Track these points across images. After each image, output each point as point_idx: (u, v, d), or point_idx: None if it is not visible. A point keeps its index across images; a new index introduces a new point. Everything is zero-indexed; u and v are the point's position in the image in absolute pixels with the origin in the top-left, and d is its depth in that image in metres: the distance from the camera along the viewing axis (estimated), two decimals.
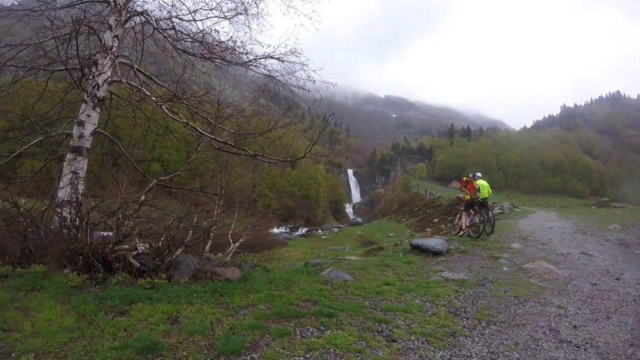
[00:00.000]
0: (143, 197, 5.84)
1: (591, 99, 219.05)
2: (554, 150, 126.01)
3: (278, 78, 6.22)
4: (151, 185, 5.78)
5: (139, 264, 5.67)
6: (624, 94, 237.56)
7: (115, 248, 5.43)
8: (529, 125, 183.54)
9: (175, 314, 4.28)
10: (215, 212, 8.70)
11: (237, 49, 6.04)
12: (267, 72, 6.16)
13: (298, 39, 6.05)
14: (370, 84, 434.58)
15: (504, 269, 8.17)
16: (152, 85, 6.75)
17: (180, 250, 5.84)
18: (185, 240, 6.14)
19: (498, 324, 4.78)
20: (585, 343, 4.33)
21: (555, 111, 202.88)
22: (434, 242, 10.14)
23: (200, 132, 5.63)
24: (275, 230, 58.05)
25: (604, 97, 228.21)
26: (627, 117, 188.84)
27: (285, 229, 62.18)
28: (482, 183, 13.25)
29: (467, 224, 12.98)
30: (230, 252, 10.31)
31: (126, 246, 5.84)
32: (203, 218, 7.68)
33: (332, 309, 4.80)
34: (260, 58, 5.96)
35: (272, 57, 5.97)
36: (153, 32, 6.48)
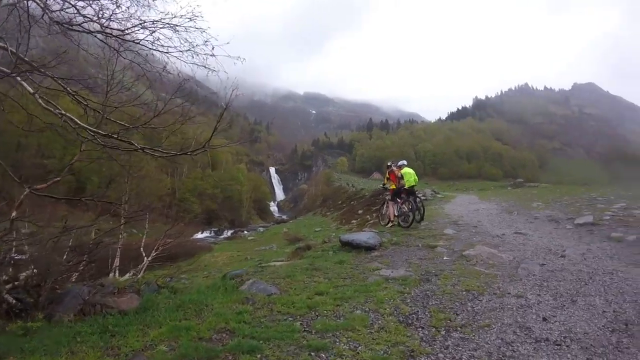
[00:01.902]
0: (14, 213, 4.55)
1: (501, 91, 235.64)
2: (468, 138, 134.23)
3: (174, 54, 5.11)
4: (22, 196, 4.50)
5: (14, 300, 4.44)
6: (532, 86, 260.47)
7: None
8: (444, 117, 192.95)
9: None
10: (121, 222, 7.44)
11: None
12: (163, 49, 5.02)
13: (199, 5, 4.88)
14: (290, 82, 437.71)
15: (445, 258, 7.59)
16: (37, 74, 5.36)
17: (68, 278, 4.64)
18: (62, 266, 4.91)
19: (460, 330, 4.08)
20: (564, 338, 3.78)
21: (469, 103, 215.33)
22: (365, 236, 9.34)
23: (78, 124, 4.43)
24: (200, 235, 55.76)
25: (513, 89, 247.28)
26: (535, 106, 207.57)
27: (210, 233, 59.80)
28: (407, 171, 12.93)
29: (396, 214, 12.60)
30: (142, 268, 9.04)
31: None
32: (84, 233, 6.32)
33: (254, 340, 3.78)
34: (145, 25, 4.75)
35: (161, 25, 4.81)
36: None
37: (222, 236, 55.43)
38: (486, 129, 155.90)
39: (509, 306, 4.71)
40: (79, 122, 4.47)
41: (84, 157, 5.08)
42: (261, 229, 57.55)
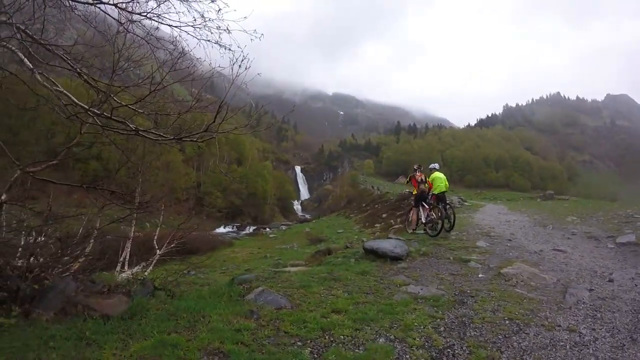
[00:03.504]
0: (4, 197, 4.17)
1: (532, 99, 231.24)
2: (497, 147, 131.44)
3: (184, 29, 4.65)
4: (14, 178, 4.11)
5: None
6: (564, 95, 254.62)
7: None
8: (472, 124, 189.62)
9: None
10: (127, 213, 7.06)
11: None
12: (173, 23, 4.57)
13: None
14: (319, 81, 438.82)
15: (480, 275, 6.90)
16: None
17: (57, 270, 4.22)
18: (50, 257, 4.49)
19: None
20: None
21: (498, 110, 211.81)
22: (392, 244, 8.59)
23: (75, 103, 4.01)
24: (222, 229, 56.01)
25: (545, 97, 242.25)
26: (566, 116, 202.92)
27: (232, 228, 59.98)
28: (437, 176, 12.25)
29: (424, 221, 11.96)
30: (152, 261, 8.69)
31: None
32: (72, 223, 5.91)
33: None
34: None
35: None
36: None
37: (244, 232, 55.49)
38: (515, 137, 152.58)
39: (561, 343, 4.03)
40: (76, 100, 4.05)
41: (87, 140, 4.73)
42: (283, 227, 57.34)
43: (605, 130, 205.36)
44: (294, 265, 9.25)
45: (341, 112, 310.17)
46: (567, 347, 3.95)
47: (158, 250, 9.00)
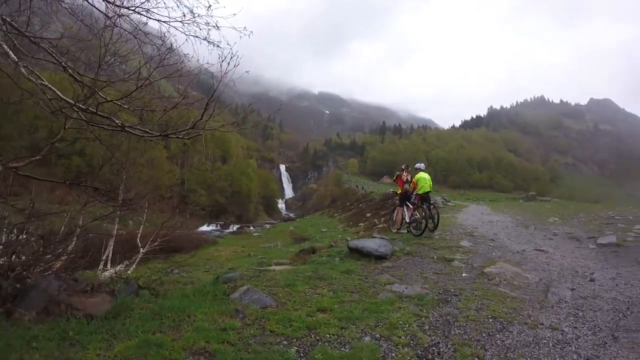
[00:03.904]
0: None
1: (516, 102, 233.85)
2: (481, 148, 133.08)
3: (173, 25, 4.58)
4: None
5: None
6: (548, 99, 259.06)
7: None
8: (457, 125, 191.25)
9: None
10: (111, 210, 6.96)
11: None
12: (162, 18, 4.51)
13: None
14: (306, 80, 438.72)
15: (464, 274, 6.94)
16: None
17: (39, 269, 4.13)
18: (32, 255, 4.40)
19: None
20: None
21: (483, 112, 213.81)
22: (376, 243, 8.61)
23: (59, 97, 3.93)
24: (206, 228, 55.66)
25: (529, 100, 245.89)
26: (550, 119, 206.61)
27: (216, 226, 59.64)
28: (422, 176, 12.29)
29: (407, 220, 12.03)
30: (135, 260, 8.58)
31: None
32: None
33: None
34: None
35: None
36: None
37: (228, 230, 55.23)
38: (499, 139, 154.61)
39: (544, 341, 4.08)
40: (61, 95, 3.96)
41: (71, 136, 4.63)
42: (267, 226, 57.22)
43: (588, 134, 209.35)
44: (278, 264, 9.21)
45: (327, 112, 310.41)
46: (550, 344, 4.00)
47: (141, 249, 8.88)
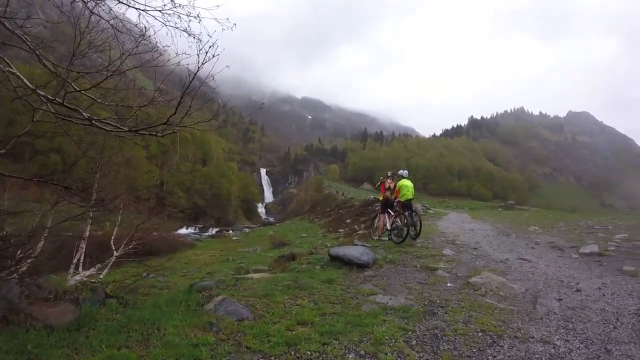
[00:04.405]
0: None
1: (497, 112, 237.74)
2: (461, 157, 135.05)
3: (151, 13, 4.31)
4: None
5: None
6: (527, 110, 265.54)
7: None
8: (438, 134, 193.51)
9: None
10: (83, 211, 6.61)
11: None
12: (139, 6, 4.22)
13: None
14: (289, 85, 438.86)
15: (448, 284, 6.75)
16: None
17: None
18: None
19: None
20: None
21: (463, 122, 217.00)
22: (358, 251, 8.34)
23: (27, 86, 3.64)
24: (184, 230, 54.95)
25: (509, 111, 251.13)
26: (529, 130, 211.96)
27: (195, 229, 58.91)
28: (405, 184, 12.13)
29: (389, 227, 11.89)
30: (107, 263, 8.22)
31: None
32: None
33: None
34: None
35: None
36: None
37: (207, 234, 54.53)
38: (479, 148, 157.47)
39: (536, 356, 3.88)
40: (27, 82, 3.67)
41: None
42: (247, 230, 56.64)
43: (566, 145, 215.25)
44: (257, 271, 8.94)
45: (309, 117, 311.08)
46: (543, 359, 3.85)
47: (115, 252, 8.52)
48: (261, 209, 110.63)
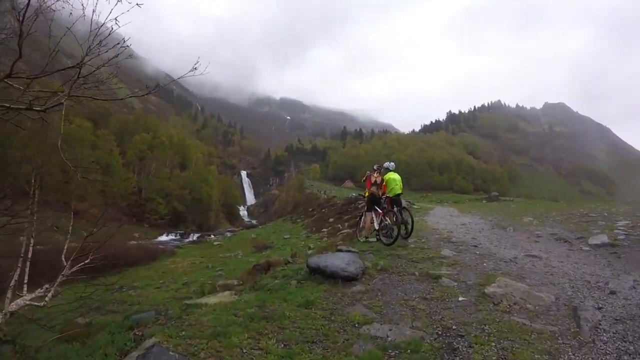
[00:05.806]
0: None
1: (474, 106, 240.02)
2: (441, 151, 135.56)
3: None
4: None
5: None
6: (504, 103, 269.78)
7: None
8: (417, 130, 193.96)
9: None
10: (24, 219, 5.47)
11: None
12: None
13: None
14: (267, 86, 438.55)
15: (460, 298, 5.36)
16: None
17: None
18: None
19: None
20: None
21: (442, 117, 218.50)
22: (343, 260, 6.89)
23: None
24: (164, 237, 53.37)
25: (486, 105, 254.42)
26: (507, 123, 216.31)
27: (176, 236, 57.23)
28: (392, 177, 11.02)
29: (376, 227, 10.69)
30: (55, 283, 7.05)
31: None
32: None
33: None
34: None
35: None
36: None
37: (188, 240, 53.01)
38: (459, 142, 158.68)
39: None
40: None
41: None
42: (229, 234, 55.28)
43: (544, 136, 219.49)
44: (222, 288, 7.71)
45: (288, 117, 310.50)
46: None
47: (67, 268, 7.33)
48: (243, 212, 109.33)
